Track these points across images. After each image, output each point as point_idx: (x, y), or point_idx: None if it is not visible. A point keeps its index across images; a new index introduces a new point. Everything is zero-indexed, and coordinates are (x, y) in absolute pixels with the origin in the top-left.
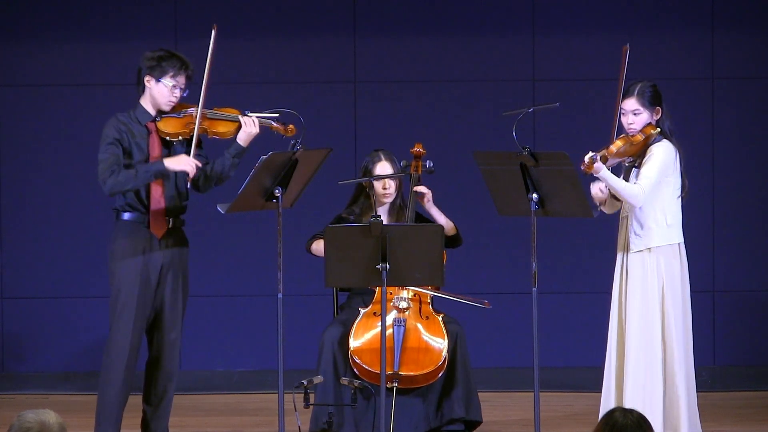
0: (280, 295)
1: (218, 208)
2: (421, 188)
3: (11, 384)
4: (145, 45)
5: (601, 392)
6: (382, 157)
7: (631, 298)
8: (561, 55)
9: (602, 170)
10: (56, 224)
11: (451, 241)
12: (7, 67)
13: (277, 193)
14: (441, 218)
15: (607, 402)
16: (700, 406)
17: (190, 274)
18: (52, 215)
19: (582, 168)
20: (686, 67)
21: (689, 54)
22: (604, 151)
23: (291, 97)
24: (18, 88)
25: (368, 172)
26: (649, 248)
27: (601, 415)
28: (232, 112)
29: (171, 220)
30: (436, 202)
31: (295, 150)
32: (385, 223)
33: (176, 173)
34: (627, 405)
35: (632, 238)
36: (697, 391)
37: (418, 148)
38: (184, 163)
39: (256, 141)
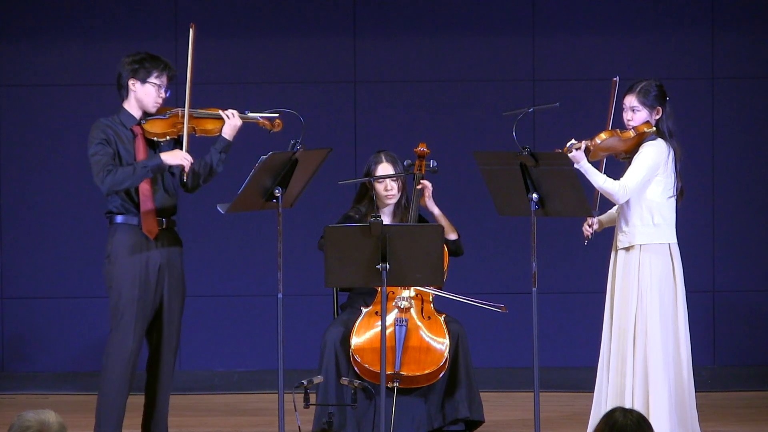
0: (280, 295)
1: (218, 208)
2: (423, 182)
3: (11, 384)
4: (145, 45)
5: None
6: (383, 158)
7: (617, 295)
8: (561, 55)
9: (582, 161)
10: (56, 224)
11: (451, 248)
12: (7, 67)
13: (277, 193)
14: (443, 221)
15: (598, 401)
16: (700, 406)
17: (191, 274)
18: (52, 215)
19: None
20: (686, 67)
21: (689, 54)
22: (587, 142)
23: (291, 97)
24: (18, 88)
25: (370, 174)
26: (633, 245)
27: (591, 415)
28: (215, 111)
29: (164, 220)
30: (438, 203)
31: (295, 150)
32: (388, 223)
33: (170, 168)
34: (609, 405)
35: (618, 235)
36: (697, 391)
37: (422, 148)
38: (180, 158)
39: (255, 141)
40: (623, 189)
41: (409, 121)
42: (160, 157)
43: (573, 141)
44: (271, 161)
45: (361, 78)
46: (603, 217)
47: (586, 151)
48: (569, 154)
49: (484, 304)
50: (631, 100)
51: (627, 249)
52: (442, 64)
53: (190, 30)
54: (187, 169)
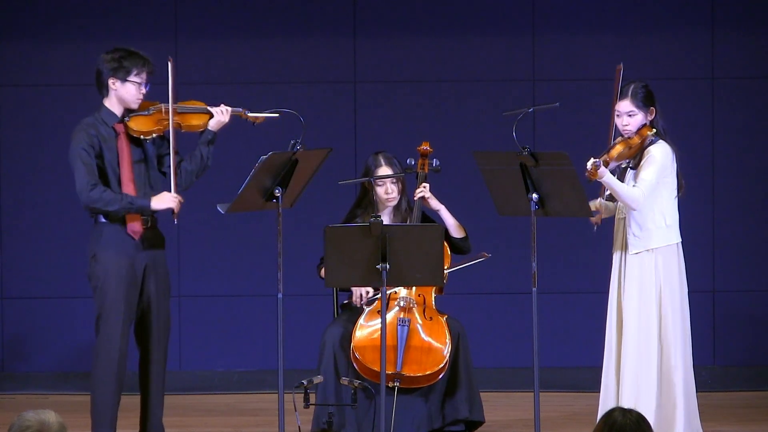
0: (280, 295)
1: (218, 208)
2: (420, 191)
3: (11, 384)
4: (145, 45)
5: (600, 392)
6: (383, 161)
7: (629, 298)
8: (561, 55)
9: (606, 175)
10: (56, 224)
11: (459, 245)
12: (7, 67)
13: (277, 193)
14: (450, 220)
15: (605, 403)
16: (700, 406)
17: (191, 274)
18: (52, 215)
19: (586, 175)
20: (686, 67)
21: (689, 54)
22: (605, 156)
23: (291, 97)
24: (18, 88)
25: (369, 176)
26: (648, 249)
27: (599, 416)
28: (199, 104)
29: (149, 219)
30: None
31: (295, 150)
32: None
33: (161, 169)
34: (623, 405)
35: (631, 240)
36: (697, 391)
37: (425, 147)
38: (168, 201)
39: (255, 141)
40: (642, 195)
41: (409, 121)
42: (149, 201)
43: (594, 160)
44: (271, 161)
45: (361, 78)
46: (596, 202)
47: (604, 163)
48: (598, 171)
49: (468, 262)
50: (625, 105)
51: (639, 253)
52: (442, 64)
53: (169, 64)
54: (177, 210)
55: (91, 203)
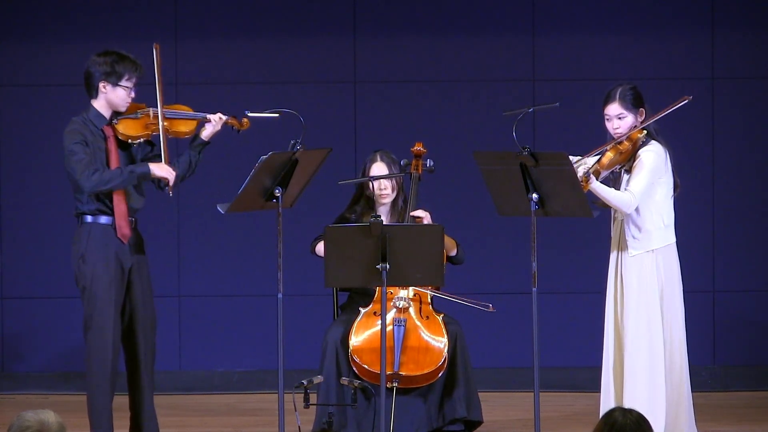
0: (280, 295)
1: (218, 208)
2: (418, 213)
3: (11, 384)
4: (145, 45)
5: (600, 392)
6: (378, 157)
7: (629, 299)
8: (561, 55)
9: (593, 183)
10: (55, 224)
11: (453, 261)
12: (7, 67)
13: (277, 193)
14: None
15: (606, 402)
16: (700, 406)
17: (191, 274)
18: (52, 215)
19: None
20: (686, 67)
21: (689, 54)
22: (596, 166)
23: (291, 97)
24: (18, 88)
25: (365, 172)
26: (648, 251)
27: (601, 415)
28: (186, 110)
29: (133, 220)
30: (438, 203)
31: (295, 150)
32: (385, 222)
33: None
34: (627, 405)
35: (630, 242)
36: (697, 391)
37: (418, 147)
38: (166, 171)
39: (255, 141)
40: (633, 198)
41: (409, 121)
42: (148, 166)
43: (584, 171)
44: (271, 161)
45: (361, 78)
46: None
47: (595, 172)
48: (587, 184)
49: (472, 303)
50: (615, 108)
51: (639, 254)
52: (442, 64)
53: (154, 50)
54: (171, 183)
55: (93, 188)
